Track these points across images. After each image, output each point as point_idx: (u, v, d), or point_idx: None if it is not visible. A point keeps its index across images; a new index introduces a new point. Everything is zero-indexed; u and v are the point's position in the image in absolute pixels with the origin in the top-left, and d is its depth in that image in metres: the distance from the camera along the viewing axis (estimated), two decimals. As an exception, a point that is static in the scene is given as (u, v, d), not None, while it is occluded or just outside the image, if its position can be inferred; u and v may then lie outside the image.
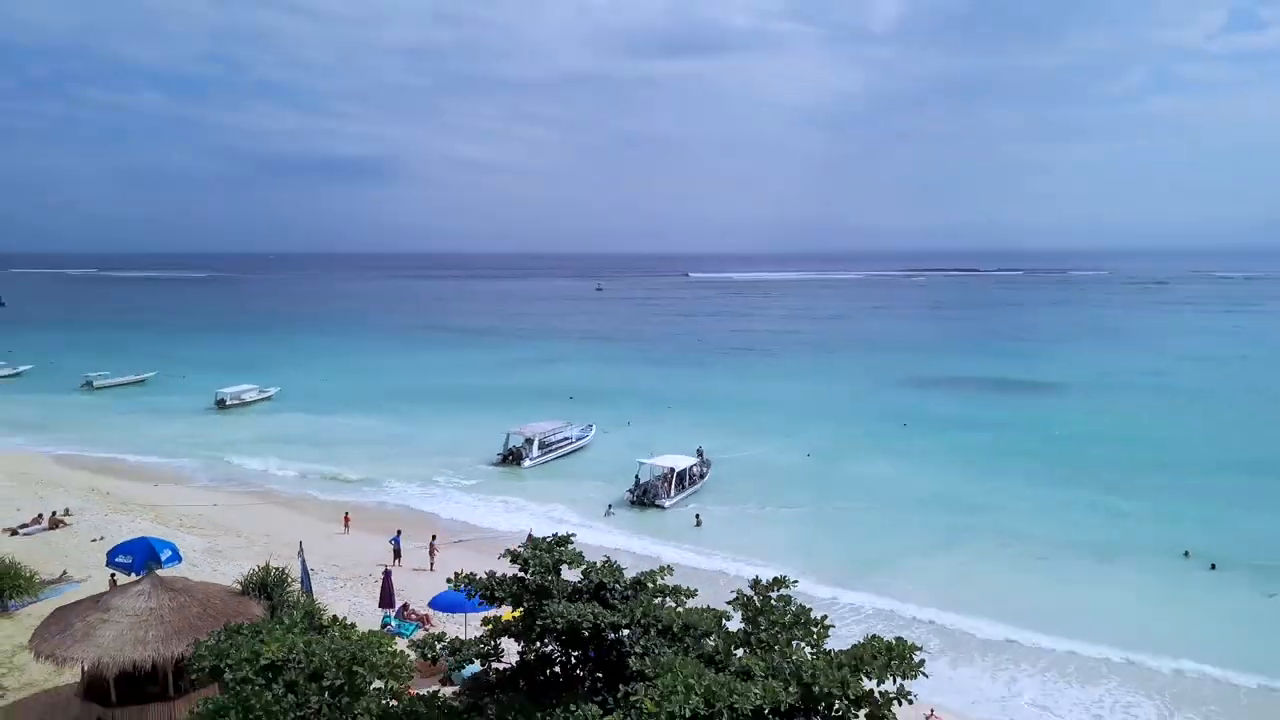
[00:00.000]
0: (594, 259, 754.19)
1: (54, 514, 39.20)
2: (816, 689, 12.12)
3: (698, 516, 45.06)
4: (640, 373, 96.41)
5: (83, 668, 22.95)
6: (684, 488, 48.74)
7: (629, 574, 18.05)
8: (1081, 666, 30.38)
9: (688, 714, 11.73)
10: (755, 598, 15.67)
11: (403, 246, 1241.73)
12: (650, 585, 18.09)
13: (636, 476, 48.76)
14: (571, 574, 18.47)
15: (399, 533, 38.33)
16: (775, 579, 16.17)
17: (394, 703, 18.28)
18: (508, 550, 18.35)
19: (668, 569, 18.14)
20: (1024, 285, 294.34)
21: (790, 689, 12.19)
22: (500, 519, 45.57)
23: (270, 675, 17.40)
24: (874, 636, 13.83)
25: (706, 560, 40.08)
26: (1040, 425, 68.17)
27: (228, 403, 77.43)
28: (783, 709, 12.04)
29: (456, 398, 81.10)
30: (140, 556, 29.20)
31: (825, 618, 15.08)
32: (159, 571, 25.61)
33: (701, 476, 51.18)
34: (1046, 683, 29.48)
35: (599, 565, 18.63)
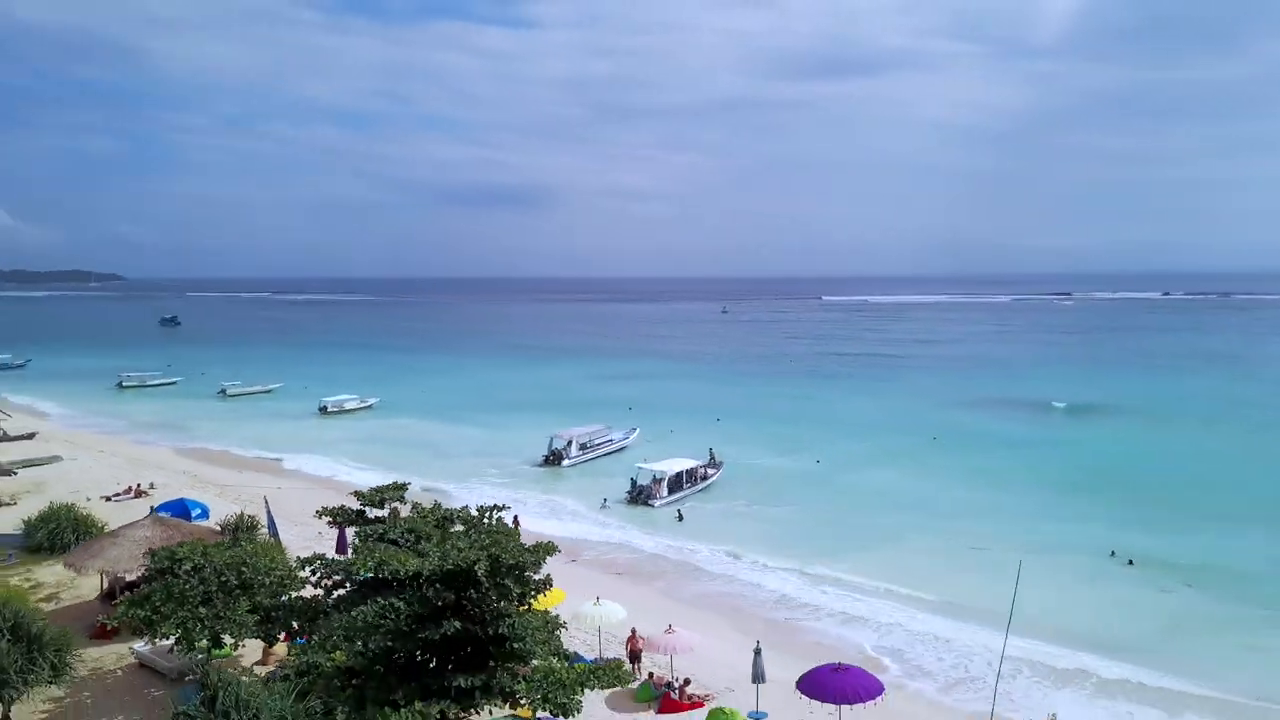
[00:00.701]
0: (737, 282, 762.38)
1: (138, 486, 48.71)
2: (450, 564, 18.13)
3: (679, 512, 50.46)
4: (710, 388, 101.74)
5: (102, 581, 31.05)
6: (682, 488, 53.94)
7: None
8: (946, 628, 34.54)
9: (366, 574, 18.05)
10: (473, 516, 21.73)
11: (559, 271, 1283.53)
12: (453, 519, 24.47)
13: (633, 479, 54.31)
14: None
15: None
16: (494, 505, 22.19)
17: (281, 599, 25.18)
18: (354, 491, 25.06)
19: (465, 509, 24.46)
20: (1178, 309, 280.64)
21: (434, 562, 18.27)
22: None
23: (191, 573, 24.66)
24: (539, 542, 19.74)
25: (664, 544, 45.66)
26: (1070, 447, 69.46)
27: (329, 410, 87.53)
28: (425, 572, 18.15)
29: (534, 407, 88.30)
30: (175, 512, 37.44)
31: (516, 529, 20.99)
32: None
33: (704, 478, 56.27)
34: (909, 637, 33.97)
35: (425, 506, 25.12)
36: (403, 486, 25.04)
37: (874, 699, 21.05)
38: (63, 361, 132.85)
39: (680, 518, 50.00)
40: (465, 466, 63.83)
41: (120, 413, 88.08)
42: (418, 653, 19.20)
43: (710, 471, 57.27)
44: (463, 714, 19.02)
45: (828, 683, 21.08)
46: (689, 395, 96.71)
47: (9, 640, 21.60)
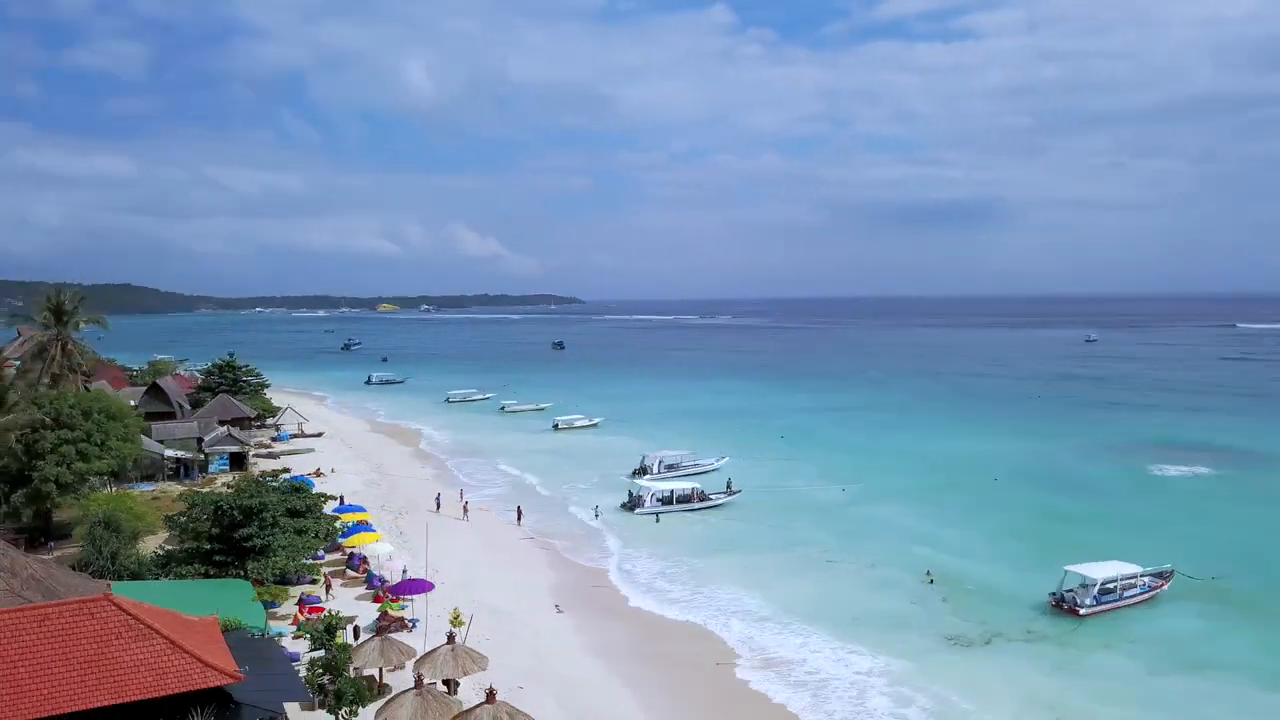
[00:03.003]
0: (1188, 300, 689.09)
1: (319, 469, 75.63)
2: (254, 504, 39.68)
3: (657, 516, 66.17)
4: (880, 425, 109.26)
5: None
6: (673, 504, 68.19)
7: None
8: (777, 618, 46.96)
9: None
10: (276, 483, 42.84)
11: (1001, 290, 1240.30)
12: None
13: (630, 491, 70.42)
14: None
15: (462, 493, 69.24)
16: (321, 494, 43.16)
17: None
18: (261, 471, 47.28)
19: (301, 481, 45.65)
20: None
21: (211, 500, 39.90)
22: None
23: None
24: (318, 494, 40.69)
25: (625, 538, 61.79)
26: (1131, 498, 71.95)
27: (559, 426, 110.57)
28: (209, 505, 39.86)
29: (710, 432, 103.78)
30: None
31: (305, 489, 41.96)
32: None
33: (702, 499, 69.66)
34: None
35: (293, 484, 46.89)
36: (285, 468, 47.25)
37: (423, 593, 39.24)
38: (433, 380, 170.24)
39: (658, 520, 65.89)
40: (582, 473, 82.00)
41: (422, 420, 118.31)
42: (211, 545, 41.02)
43: (715, 496, 70.43)
44: (220, 574, 40.30)
45: (403, 586, 39.55)
46: (850, 432, 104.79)
47: (105, 528, 46.39)
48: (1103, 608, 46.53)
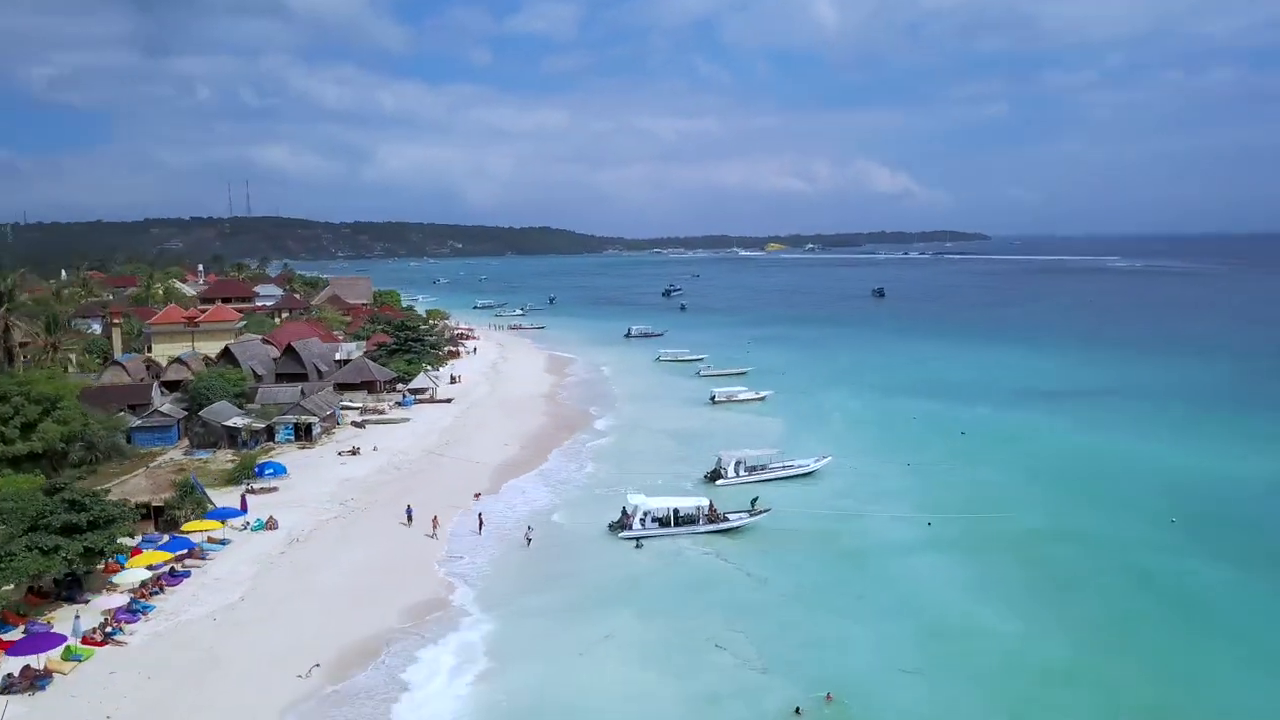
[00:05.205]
0: None
1: (355, 448, 72.43)
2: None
3: (638, 541, 54.06)
4: (1131, 421, 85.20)
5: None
6: (672, 525, 55.61)
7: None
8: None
9: None
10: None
11: None
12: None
13: (623, 508, 57.09)
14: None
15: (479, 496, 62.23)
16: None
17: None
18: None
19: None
20: None
21: None
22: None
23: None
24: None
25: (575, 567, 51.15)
26: None
27: (717, 399, 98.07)
28: None
29: (894, 422, 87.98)
30: (261, 469, 60.48)
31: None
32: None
33: (711, 520, 56.39)
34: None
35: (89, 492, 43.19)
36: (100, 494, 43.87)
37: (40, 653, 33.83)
38: (693, 335, 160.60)
39: (638, 545, 53.90)
40: (669, 467, 70.63)
41: (608, 385, 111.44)
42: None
43: (734, 516, 57.03)
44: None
45: (21, 645, 33.99)
46: (1070, 431, 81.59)
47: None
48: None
